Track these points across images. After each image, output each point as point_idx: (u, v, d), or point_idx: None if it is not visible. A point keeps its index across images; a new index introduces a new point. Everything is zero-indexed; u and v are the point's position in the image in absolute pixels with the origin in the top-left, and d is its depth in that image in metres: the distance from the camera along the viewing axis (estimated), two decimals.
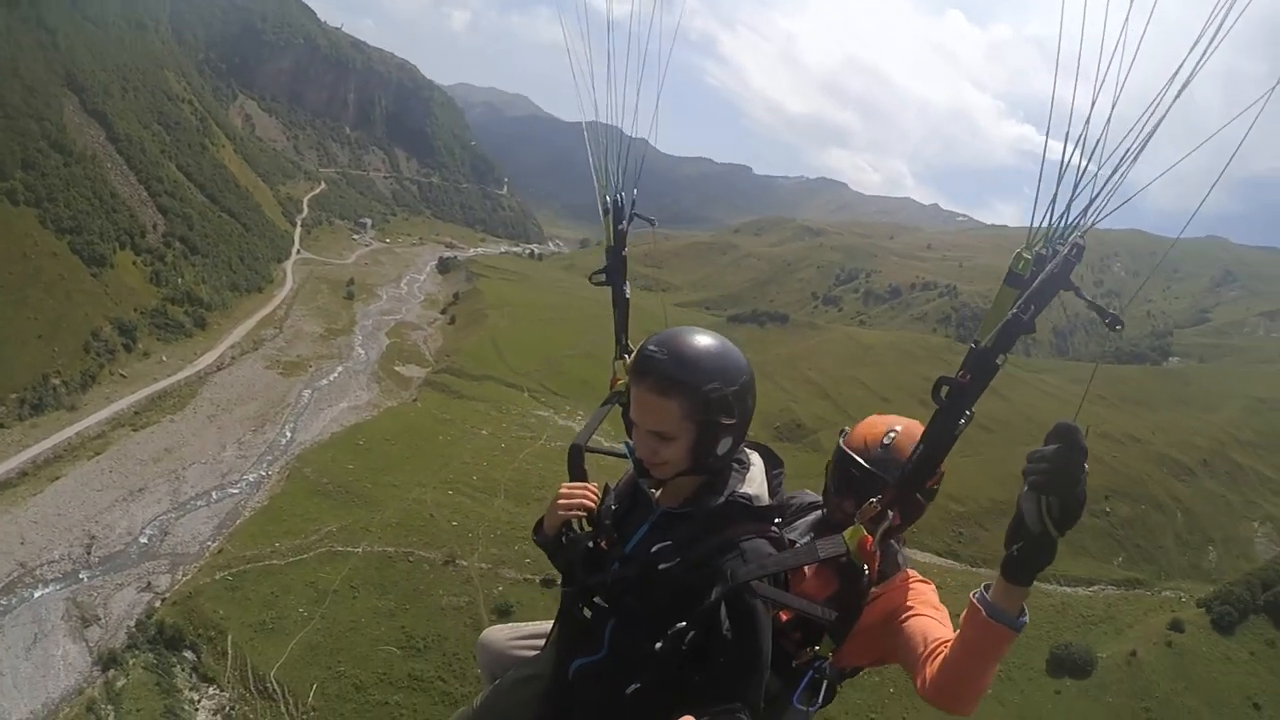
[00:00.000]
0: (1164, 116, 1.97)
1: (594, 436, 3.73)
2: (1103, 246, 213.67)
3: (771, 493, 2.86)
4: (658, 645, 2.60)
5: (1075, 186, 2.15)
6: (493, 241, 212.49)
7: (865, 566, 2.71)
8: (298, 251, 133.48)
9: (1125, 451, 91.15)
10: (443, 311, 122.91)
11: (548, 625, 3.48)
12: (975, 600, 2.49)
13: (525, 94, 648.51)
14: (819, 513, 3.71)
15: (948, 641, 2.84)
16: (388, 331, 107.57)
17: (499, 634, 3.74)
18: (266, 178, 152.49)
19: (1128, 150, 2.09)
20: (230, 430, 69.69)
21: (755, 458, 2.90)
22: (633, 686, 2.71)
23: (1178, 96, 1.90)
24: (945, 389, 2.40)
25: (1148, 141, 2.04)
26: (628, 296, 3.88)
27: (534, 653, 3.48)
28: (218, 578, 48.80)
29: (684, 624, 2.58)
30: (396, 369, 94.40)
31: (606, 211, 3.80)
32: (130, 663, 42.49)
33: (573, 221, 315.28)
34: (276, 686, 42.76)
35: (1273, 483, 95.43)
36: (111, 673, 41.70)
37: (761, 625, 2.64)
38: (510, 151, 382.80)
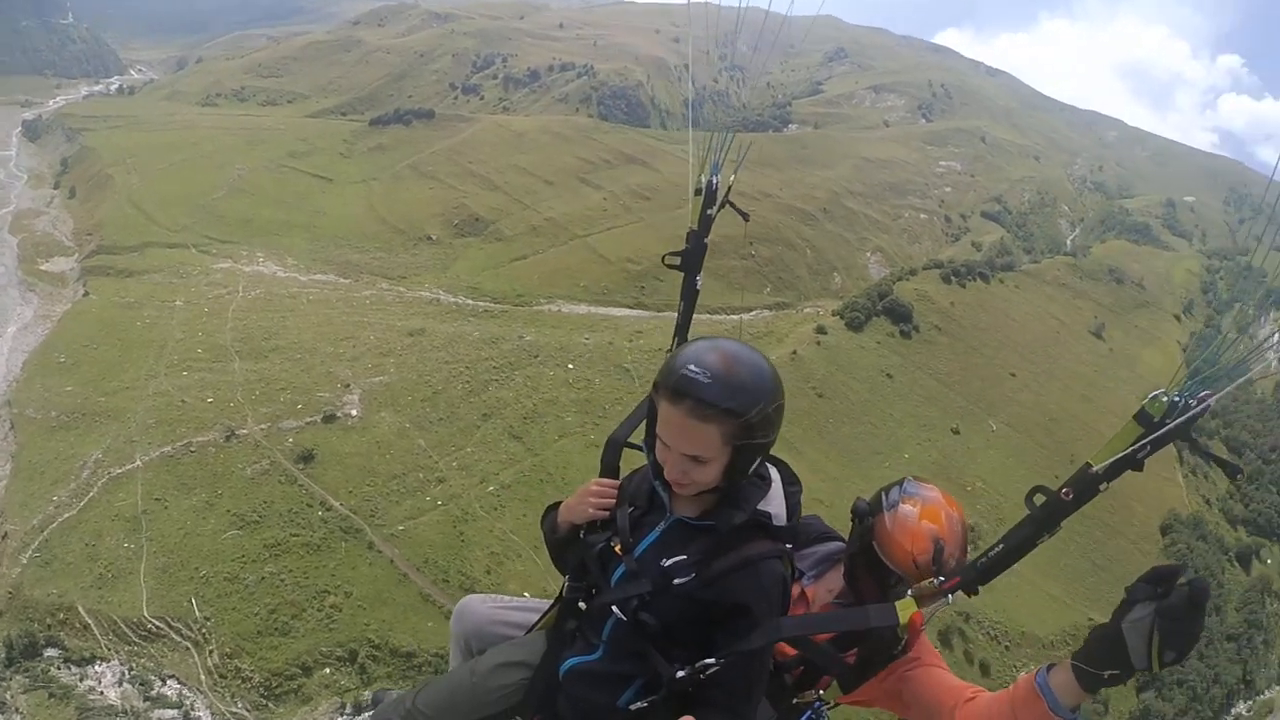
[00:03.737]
0: None
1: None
2: (725, 24, 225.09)
3: (790, 512, 2.78)
4: (679, 674, 2.60)
5: (1219, 351, 2.26)
6: (69, 86, 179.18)
7: (905, 639, 2.75)
8: None
9: (760, 205, 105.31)
10: (56, 186, 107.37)
11: (534, 603, 3.50)
12: (1038, 688, 2.47)
13: None
14: (833, 545, 3.62)
15: (976, 691, 2.87)
16: (9, 229, 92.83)
17: (480, 606, 3.55)
18: None
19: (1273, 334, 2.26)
20: None
21: (774, 473, 2.81)
22: (636, 705, 2.74)
23: None
24: (1040, 498, 2.43)
25: None
26: (698, 288, 3.53)
27: (517, 632, 3.36)
28: (24, 561, 45.28)
29: (711, 661, 2.58)
30: (43, 268, 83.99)
31: (698, 192, 3.45)
32: (9, 698, 39.16)
33: (149, 39, 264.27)
34: (157, 623, 41.97)
35: (879, 223, 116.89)
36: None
37: (769, 657, 2.73)
38: None
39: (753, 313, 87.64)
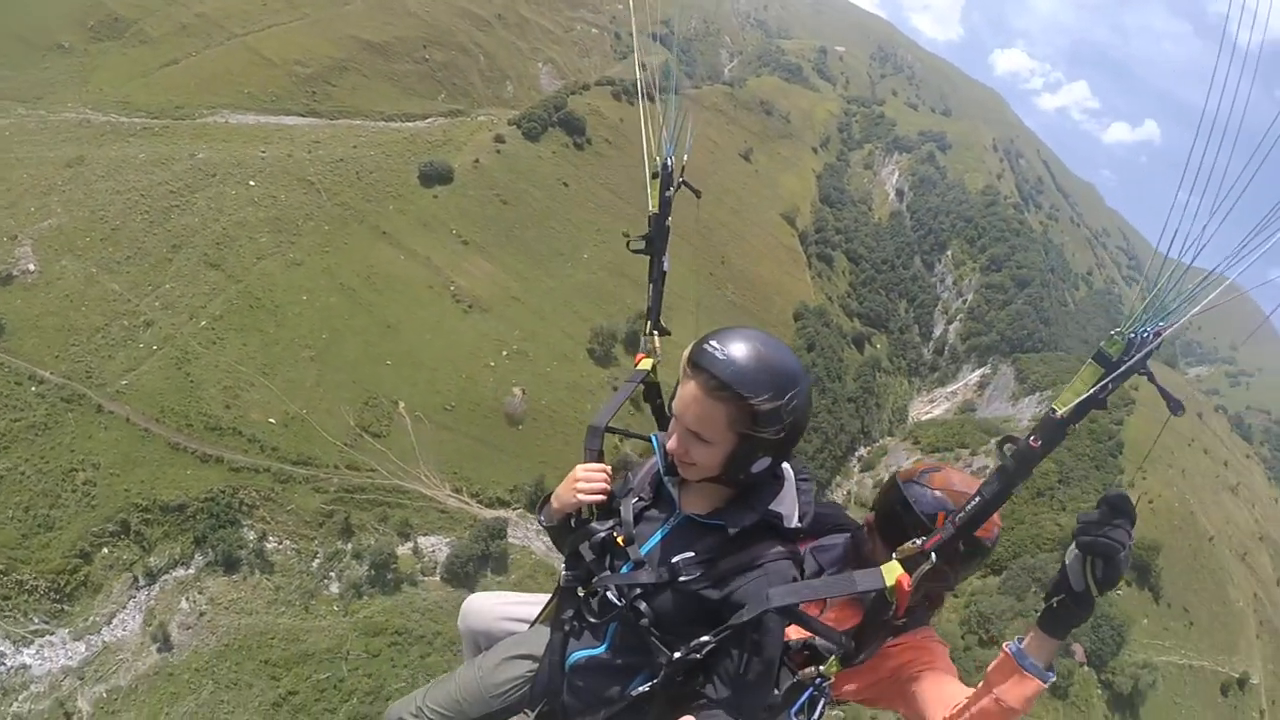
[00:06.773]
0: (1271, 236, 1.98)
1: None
2: None
3: (802, 510, 2.78)
4: (675, 655, 2.57)
5: (1174, 283, 2.19)
6: None
7: (895, 603, 2.59)
8: None
9: (434, 6, 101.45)
10: None
11: (536, 597, 3.49)
12: (1009, 652, 2.53)
13: None
14: (848, 538, 3.57)
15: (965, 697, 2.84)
16: None
17: (485, 603, 3.59)
18: None
19: (1224, 260, 2.09)
20: None
21: (787, 469, 2.80)
22: (638, 690, 2.69)
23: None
24: (1010, 449, 2.36)
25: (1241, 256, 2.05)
26: (666, 269, 3.50)
27: (521, 625, 3.38)
28: None
29: (707, 638, 2.54)
30: None
31: (655, 176, 3.46)
32: None
33: None
34: None
35: (552, 34, 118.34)
36: None
37: (776, 644, 2.62)
38: None
39: (429, 120, 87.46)
